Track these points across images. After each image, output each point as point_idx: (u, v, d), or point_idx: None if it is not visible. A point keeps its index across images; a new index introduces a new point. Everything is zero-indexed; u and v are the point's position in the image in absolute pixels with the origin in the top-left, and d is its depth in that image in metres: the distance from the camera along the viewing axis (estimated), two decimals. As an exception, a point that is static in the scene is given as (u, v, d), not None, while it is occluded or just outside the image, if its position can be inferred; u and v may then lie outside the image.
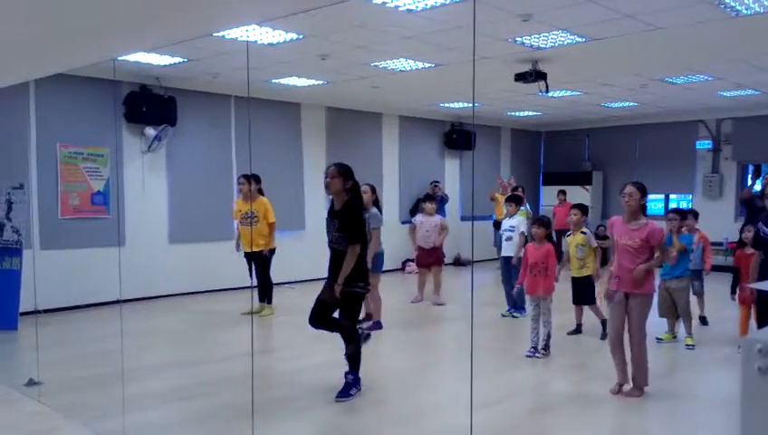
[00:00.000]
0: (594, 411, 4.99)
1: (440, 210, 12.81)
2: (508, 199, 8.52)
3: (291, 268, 10.32)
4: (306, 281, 10.43)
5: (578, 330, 7.29)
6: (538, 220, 6.68)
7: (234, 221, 8.80)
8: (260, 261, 8.20)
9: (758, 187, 9.44)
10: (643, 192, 5.02)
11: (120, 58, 6.36)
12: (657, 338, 6.78)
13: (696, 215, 7.85)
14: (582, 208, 7.29)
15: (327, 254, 5.11)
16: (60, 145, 8.58)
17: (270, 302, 8.42)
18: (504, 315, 8.17)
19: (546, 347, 6.34)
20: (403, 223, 12.55)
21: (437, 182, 13.11)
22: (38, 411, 4.87)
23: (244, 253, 8.33)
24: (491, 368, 5.94)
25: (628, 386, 5.18)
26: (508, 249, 8.08)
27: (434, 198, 9.97)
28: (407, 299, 9.38)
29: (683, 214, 7.12)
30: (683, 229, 6.91)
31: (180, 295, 9.57)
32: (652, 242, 4.99)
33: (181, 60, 8.01)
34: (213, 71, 8.63)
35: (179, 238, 9.77)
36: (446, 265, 13.34)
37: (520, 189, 11.44)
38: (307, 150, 11.35)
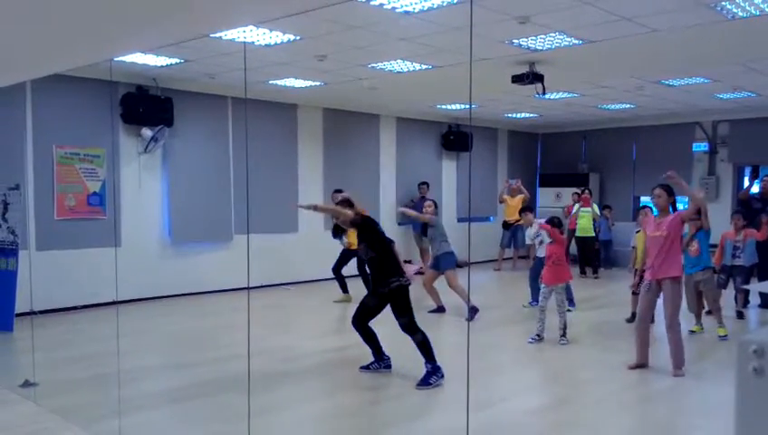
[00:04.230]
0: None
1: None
2: (522, 210, 9.08)
3: (284, 270, 10.39)
4: (302, 283, 10.44)
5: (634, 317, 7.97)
6: (551, 220, 7.36)
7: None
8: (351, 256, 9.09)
9: (755, 188, 9.48)
10: (669, 192, 5.93)
11: (116, 59, 6.36)
12: (689, 331, 7.28)
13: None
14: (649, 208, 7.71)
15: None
16: (56, 146, 8.56)
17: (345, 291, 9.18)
18: (524, 306, 8.88)
19: (564, 334, 6.91)
20: (399, 224, 12.53)
21: (426, 183, 12.62)
22: (34, 413, 4.86)
23: (346, 249, 9.11)
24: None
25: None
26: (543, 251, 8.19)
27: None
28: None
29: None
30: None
31: (177, 296, 9.55)
32: (675, 224, 5.74)
33: (178, 61, 8.00)
34: (210, 72, 8.62)
35: (176, 239, 9.76)
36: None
37: (587, 192, 12.04)
38: (303, 152, 11.34)
